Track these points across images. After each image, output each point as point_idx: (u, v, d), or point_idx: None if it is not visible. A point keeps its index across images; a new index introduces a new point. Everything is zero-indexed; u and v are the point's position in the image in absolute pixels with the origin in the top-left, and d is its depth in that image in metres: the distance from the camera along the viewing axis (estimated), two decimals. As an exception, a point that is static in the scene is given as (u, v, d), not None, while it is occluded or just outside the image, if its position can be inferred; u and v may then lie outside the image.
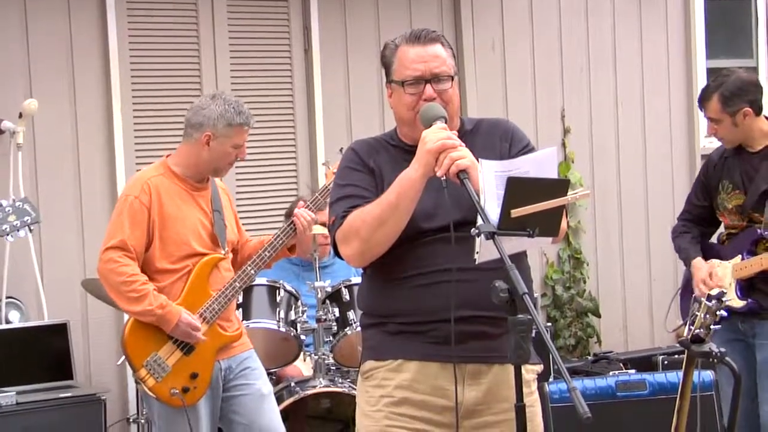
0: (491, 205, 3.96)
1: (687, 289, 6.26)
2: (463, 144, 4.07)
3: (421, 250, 4.29)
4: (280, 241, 5.97)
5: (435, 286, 4.25)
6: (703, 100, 6.03)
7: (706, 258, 6.11)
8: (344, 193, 4.38)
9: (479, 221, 3.86)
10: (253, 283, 6.44)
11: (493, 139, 4.46)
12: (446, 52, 4.40)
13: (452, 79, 4.37)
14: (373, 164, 4.40)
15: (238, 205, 6.47)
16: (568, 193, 4.05)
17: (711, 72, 9.96)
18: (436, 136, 4.07)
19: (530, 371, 4.34)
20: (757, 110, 6.00)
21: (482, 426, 4.31)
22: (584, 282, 9.54)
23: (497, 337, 4.20)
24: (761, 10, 10.62)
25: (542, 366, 4.46)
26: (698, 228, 6.28)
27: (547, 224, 4.00)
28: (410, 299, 4.32)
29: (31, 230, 5.71)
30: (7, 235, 5.58)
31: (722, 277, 5.98)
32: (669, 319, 6.52)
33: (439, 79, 4.33)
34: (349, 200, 4.34)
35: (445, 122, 4.17)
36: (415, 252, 4.30)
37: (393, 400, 4.34)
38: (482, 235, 3.83)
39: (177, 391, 5.76)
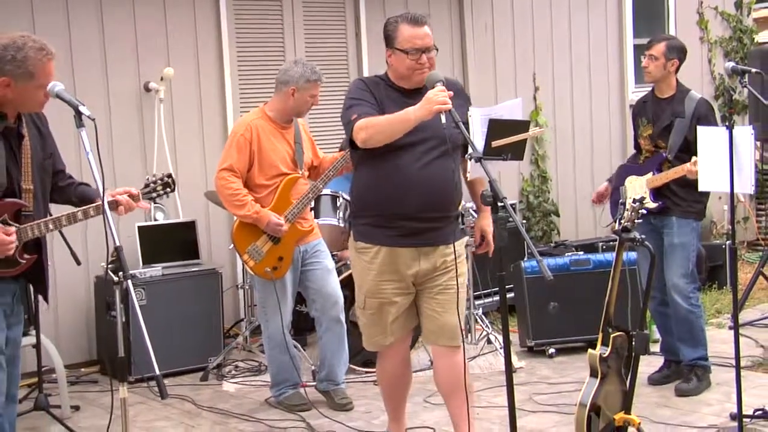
0: (478, 138, 4.02)
1: (614, 201, 6.26)
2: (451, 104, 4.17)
3: (392, 166, 4.45)
4: (340, 165, 5.99)
5: (400, 194, 4.45)
6: (654, 42, 6.05)
7: (629, 173, 6.15)
8: (359, 102, 4.55)
9: (470, 150, 3.92)
10: (322, 193, 6.47)
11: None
12: (430, 30, 4.57)
13: (435, 49, 4.56)
14: (376, 94, 4.57)
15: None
16: (530, 130, 4.15)
17: (636, 47, 9.92)
18: (438, 98, 4.17)
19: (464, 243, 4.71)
20: (679, 67, 6.06)
21: (430, 280, 4.59)
22: (548, 192, 9.55)
23: (440, 229, 4.47)
24: (671, 2, 10.52)
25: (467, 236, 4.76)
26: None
27: (516, 151, 4.09)
28: (384, 202, 4.51)
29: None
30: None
31: (639, 187, 6.01)
32: (602, 217, 6.55)
33: (429, 50, 4.50)
34: (364, 106, 4.51)
35: (443, 84, 4.29)
36: (388, 166, 4.46)
37: (378, 272, 4.60)
38: (472, 159, 3.90)
39: (269, 269, 5.84)
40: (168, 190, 4.38)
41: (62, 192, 4.25)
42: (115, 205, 4.09)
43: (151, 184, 4.34)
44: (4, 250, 3.87)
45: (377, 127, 4.37)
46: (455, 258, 4.53)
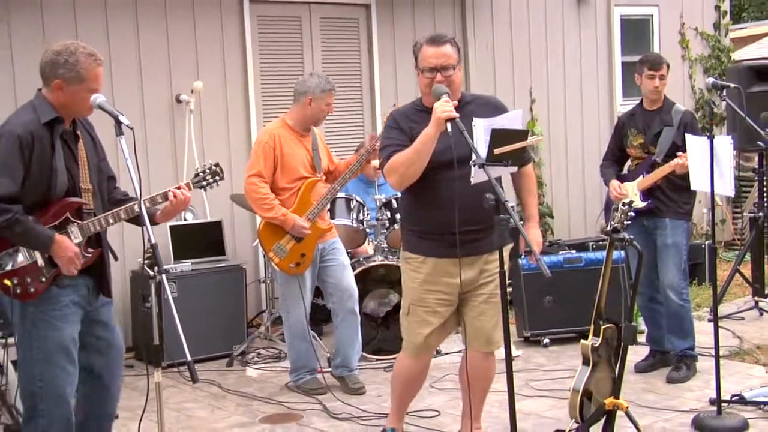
0: (481, 146, 4.01)
1: (608, 206, 6.27)
2: (458, 114, 4.10)
3: (435, 184, 4.37)
4: (355, 168, 6.00)
5: (444, 209, 4.32)
6: (661, 63, 6.02)
7: (622, 181, 6.12)
8: (388, 143, 4.47)
9: (473, 157, 3.89)
10: (337, 196, 6.47)
11: (486, 109, 4.48)
12: (452, 49, 4.43)
13: (454, 68, 4.41)
14: (404, 125, 4.46)
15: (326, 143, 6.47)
16: (528, 138, 4.13)
17: (624, 64, 9.91)
18: (442, 107, 4.12)
19: (506, 248, 4.42)
20: None
21: (476, 288, 4.49)
22: (543, 196, 9.52)
23: (483, 239, 4.35)
24: (656, 23, 10.49)
25: (512, 244, 4.55)
26: (614, 163, 6.29)
27: (516, 158, 4.08)
28: (429, 217, 4.44)
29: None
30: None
31: (629, 190, 6.02)
32: (597, 223, 6.53)
33: (446, 69, 4.37)
34: (391, 148, 4.42)
35: (448, 96, 4.23)
36: (431, 185, 4.38)
37: (423, 281, 4.51)
38: (476, 166, 3.87)
39: (293, 265, 5.86)
40: (217, 178, 4.32)
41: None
42: (164, 197, 4.09)
43: (200, 173, 4.30)
44: (72, 267, 3.88)
45: (403, 164, 4.29)
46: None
